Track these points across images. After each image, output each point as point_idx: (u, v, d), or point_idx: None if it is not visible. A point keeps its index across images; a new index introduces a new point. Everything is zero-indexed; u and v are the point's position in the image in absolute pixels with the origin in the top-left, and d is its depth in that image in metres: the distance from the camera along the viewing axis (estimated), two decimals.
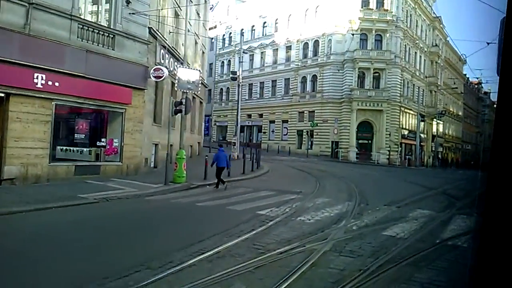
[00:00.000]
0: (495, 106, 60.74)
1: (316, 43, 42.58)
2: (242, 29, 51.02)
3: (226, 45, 53.37)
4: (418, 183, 17.26)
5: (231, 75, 28.17)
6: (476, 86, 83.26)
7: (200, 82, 20.12)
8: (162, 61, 16.41)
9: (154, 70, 14.10)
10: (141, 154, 14.21)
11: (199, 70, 13.74)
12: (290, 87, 44.93)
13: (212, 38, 54.83)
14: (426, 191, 14.74)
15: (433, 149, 49.10)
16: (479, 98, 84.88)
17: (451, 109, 62.00)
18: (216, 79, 54.72)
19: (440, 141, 54.89)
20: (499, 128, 1.99)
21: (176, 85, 12.71)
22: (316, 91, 42.02)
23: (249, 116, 49.93)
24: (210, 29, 56.02)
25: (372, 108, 39.05)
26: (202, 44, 25.69)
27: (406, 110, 43.18)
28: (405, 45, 42.35)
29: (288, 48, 45.43)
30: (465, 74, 70.57)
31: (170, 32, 17.49)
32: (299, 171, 21.01)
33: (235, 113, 52.37)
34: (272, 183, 15.49)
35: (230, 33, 52.70)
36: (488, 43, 22.09)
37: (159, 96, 17.35)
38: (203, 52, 26.48)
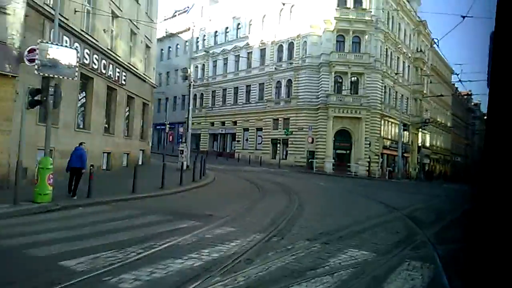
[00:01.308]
0: (485, 118, 58.45)
1: (291, 45, 39.52)
2: (216, 31, 47.95)
3: (200, 48, 50.18)
4: (383, 201, 13.88)
5: (181, 74, 24.48)
6: (465, 97, 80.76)
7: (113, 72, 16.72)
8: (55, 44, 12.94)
9: (28, 51, 10.65)
10: (10, 163, 10.67)
11: (77, 50, 10.26)
12: (265, 92, 41.73)
13: (186, 41, 51.88)
14: (386, 213, 11.36)
15: (418, 160, 45.89)
16: (469, 109, 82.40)
17: (438, 119, 59.16)
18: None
19: (426, 153, 51.90)
20: (489, 140, 2.08)
21: (37, 66, 9.22)
22: (291, 97, 38.82)
23: (223, 123, 46.61)
24: (183, 31, 53.25)
25: (350, 116, 35.85)
26: (145, 35, 22.32)
27: (388, 118, 40.10)
28: (386, 48, 39.42)
29: (263, 50, 42.33)
30: (453, 84, 67.99)
31: (77, 11, 14.07)
32: (250, 184, 17.60)
33: (209, 121, 49.14)
34: (193, 200, 12.11)
35: (204, 35, 49.58)
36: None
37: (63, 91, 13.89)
38: (147, 46, 23.09)
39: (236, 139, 44.63)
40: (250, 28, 43.73)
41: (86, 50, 15.32)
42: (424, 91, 48.49)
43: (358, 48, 36.75)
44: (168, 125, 55.41)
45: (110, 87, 17.87)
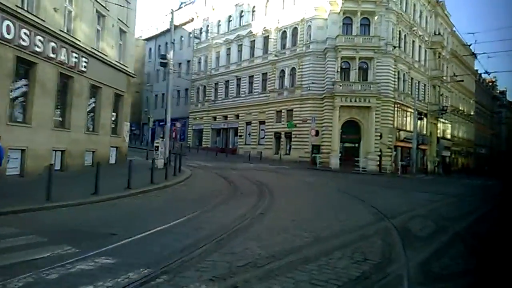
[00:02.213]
0: None
1: (294, 30, 36.60)
2: (219, 21, 45.41)
3: (203, 39, 47.74)
4: (376, 205, 11.12)
5: (160, 60, 22.07)
6: (490, 84, 75.80)
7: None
8: None
9: None
10: None
11: None
12: (268, 83, 39.01)
13: (190, 33, 49.61)
14: (370, 224, 8.63)
15: (437, 153, 42.26)
16: (494, 97, 77.19)
17: (460, 108, 54.99)
18: (193, 77, 49.18)
19: (447, 144, 48.01)
20: None
21: None
22: (295, 86, 35.96)
23: (225, 117, 44.17)
24: (186, 23, 50.92)
25: (359, 105, 32.76)
26: (118, 19, 19.98)
27: (402, 107, 36.73)
28: (400, 31, 35.99)
29: (266, 38, 39.57)
30: (477, 70, 63.40)
31: None
32: (226, 185, 15.10)
33: (211, 115, 46.76)
34: (130, 208, 9.75)
35: (208, 26, 47.07)
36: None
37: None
38: (122, 30, 20.75)
39: (239, 134, 42.13)
40: (254, 15, 41.02)
41: (24, 31, 13.05)
42: (444, 77, 44.57)
43: (367, 30, 33.53)
44: (170, 121, 53.42)
45: (65, 74, 15.61)
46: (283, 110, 37.05)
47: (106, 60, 18.99)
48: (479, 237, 7.96)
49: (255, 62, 40.48)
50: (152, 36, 57.66)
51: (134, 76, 23.18)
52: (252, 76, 40.87)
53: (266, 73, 39.14)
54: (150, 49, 58.72)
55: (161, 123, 56.54)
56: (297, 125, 35.04)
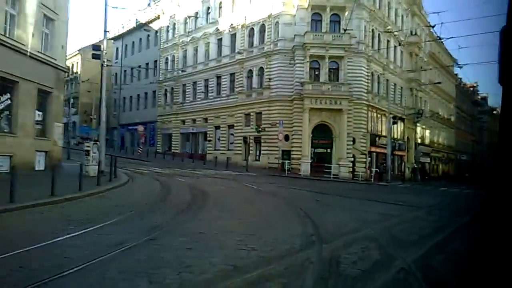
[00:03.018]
0: (494, 112, 52.38)
1: (262, 27, 34.31)
2: (186, 18, 42.87)
3: (170, 37, 45.17)
4: (318, 221, 8.64)
5: (92, 51, 19.29)
6: (471, 89, 74.84)
7: None
8: None
9: None
10: None
11: None
12: (236, 84, 36.56)
13: (156, 31, 47.02)
14: (284, 256, 6.09)
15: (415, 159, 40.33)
16: (475, 102, 76.20)
17: (440, 113, 53.40)
18: (160, 78, 46.45)
19: (426, 150, 46.22)
20: (504, 139, 1.95)
21: None
22: (263, 87, 33.57)
23: (194, 121, 41.49)
24: (153, 20, 48.30)
25: (329, 107, 30.53)
26: (42, 4, 17.24)
27: (377, 111, 34.66)
28: (373, 29, 34.00)
29: (233, 36, 37.19)
30: (457, 74, 62.20)
31: None
32: (157, 194, 12.45)
33: (180, 118, 44.04)
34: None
35: (174, 23, 44.51)
36: None
37: None
38: (48, 17, 18.00)
39: (207, 139, 39.50)
40: (220, 12, 38.63)
41: None
42: (421, 80, 42.77)
43: (337, 27, 31.45)
44: (132, 125, 50.68)
45: None
46: (251, 113, 34.61)
47: (23, 50, 16.21)
48: (435, 276, 5.50)
49: (222, 61, 38.04)
50: (119, 35, 54.81)
51: (65, 70, 20.35)
52: (220, 76, 38.41)
53: (234, 73, 36.72)
54: (117, 49, 55.84)
55: (130, 127, 53.71)
56: (266, 129, 32.58)
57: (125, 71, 53.70)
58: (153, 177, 19.08)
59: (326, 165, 29.16)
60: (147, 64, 48.70)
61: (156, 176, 19.14)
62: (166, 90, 45.82)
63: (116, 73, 56.01)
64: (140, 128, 40.58)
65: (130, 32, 52.91)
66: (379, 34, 35.30)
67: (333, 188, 20.54)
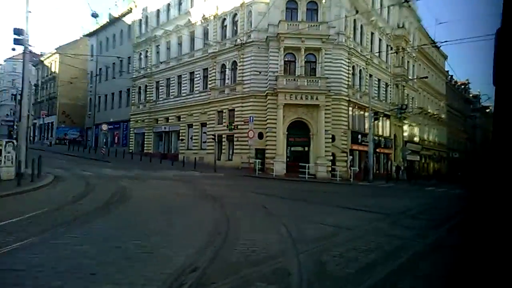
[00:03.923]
0: (487, 111, 50.21)
1: (235, 17, 31.89)
2: (158, 10, 40.38)
3: (143, 32, 42.64)
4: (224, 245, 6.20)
5: (14, 37, 16.59)
6: (462, 86, 72.83)
7: None
8: None
9: None
10: None
11: None
12: (209, 79, 34.08)
13: (130, 26, 44.51)
14: None
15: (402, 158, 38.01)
16: (467, 100, 74.18)
17: (430, 110, 51.15)
18: (133, 75, 43.90)
19: (415, 148, 43.96)
20: (497, 142, 2.00)
21: None
22: (236, 83, 31.12)
23: (167, 119, 38.98)
24: (126, 14, 45.77)
25: (305, 103, 28.13)
26: None
27: (360, 107, 32.32)
28: (355, 20, 31.66)
29: (206, 28, 34.73)
30: (448, 71, 60.03)
31: None
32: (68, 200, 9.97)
33: (153, 117, 41.45)
34: None
35: (147, 16, 41.96)
36: None
37: None
38: None
39: (180, 138, 36.99)
40: (192, 1, 36.11)
41: None
42: (409, 76, 40.45)
43: (314, 16, 29.09)
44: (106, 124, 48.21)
45: None
46: (224, 110, 32.17)
47: None
48: None
49: (195, 56, 35.56)
50: (93, 31, 52.20)
51: None
52: (193, 72, 35.92)
53: (207, 68, 34.25)
54: (92, 45, 53.21)
55: (109, 127, 50.93)
56: (239, 127, 30.16)
57: (100, 69, 51.27)
58: (87, 179, 16.41)
59: (303, 164, 26.69)
60: (121, 61, 46.21)
61: (92, 180, 16.54)
62: (139, 87, 43.28)
63: (91, 71, 53.41)
64: (104, 127, 37.98)
65: (104, 27, 50.33)
66: (362, 26, 32.98)
67: (300, 190, 18.12)
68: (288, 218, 9.47)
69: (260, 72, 29.01)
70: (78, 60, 52.68)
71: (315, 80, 28.10)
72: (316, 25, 28.09)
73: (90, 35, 53.59)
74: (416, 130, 45.17)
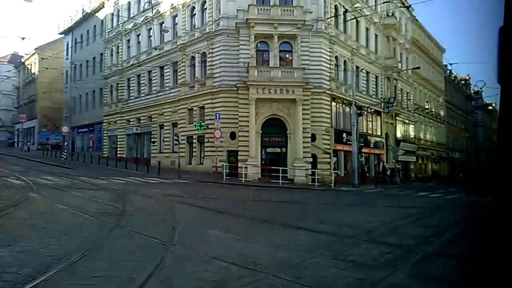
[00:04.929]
0: (489, 108, 46.71)
1: (203, 4, 28.69)
2: (129, 2, 37.26)
3: (114, 26, 39.56)
4: None
5: None
6: (462, 82, 69.35)
7: None
8: None
9: None
10: None
11: None
12: (179, 74, 30.91)
13: (102, 20, 41.43)
14: None
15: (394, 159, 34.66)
16: (468, 96, 70.63)
17: (427, 107, 47.78)
18: (105, 73, 40.78)
19: (411, 148, 40.60)
20: (504, 140, 2.00)
21: None
22: (206, 76, 27.92)
23: (139, 120, 35.79)
24: (99, 9, 42.77)
25: (280, 97, 24.91)
26: None
27: (343, 102, 29.05)
28: (336, 5, 28.44)
29: (175, 18, 31.59)
30: (446, 66, 56.69)
31: None
32: None
33: (125, 118, 38.26)
34: None
35: (118, 10, 38.83)
36: None
37: None
38: None
39: (152, 140, 33.75)
40: None
41: None
42: (400, 68, 37.06)
43: (289, 0, 25.87)
44: (82, 128, 45.31)
45: None
46: (194, 108, 28.97)
47: None
48: None
49: (165, 49, 32.37)
50: (68, 28, 49.17)
51: None
52: (163, 67, 32.75)
53: (177, 62, 31.06)
54: (68, 43, 50.14)
55: (81, 130, 47.83)
56: (209, 126, 26.87)
57: (75, 68, 48.27)
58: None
59: (280, 168, 23.32)
60: (94, 58, 43.17)
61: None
62: (111, 86, 40.15)
63: (67, 71, 50.37)
64: (65, 129, 34.79)
65: (78, 24, 47.30)
66: (344, 12, 29.71)
67: (255, 200, 14.83)
68: (180, 247, 6.24)
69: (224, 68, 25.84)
70: (58, 60, 49.80)
71: (291, 71, 24.91)
72: (290, 10, 24.87)
73: (65, 32, 50.55)
74: (411, 128, 41.79)
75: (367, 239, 7.73)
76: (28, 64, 63.78)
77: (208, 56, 27.67)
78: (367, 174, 30.66)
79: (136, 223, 8.54)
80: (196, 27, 29.29)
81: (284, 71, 24.88)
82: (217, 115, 24.45)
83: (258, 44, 25.81)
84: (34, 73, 59.67)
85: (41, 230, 7.47)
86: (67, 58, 49.96)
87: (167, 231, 7.55)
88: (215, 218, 9.89)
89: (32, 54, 59.98)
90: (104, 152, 40.03)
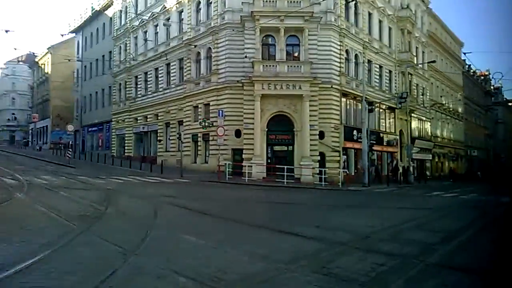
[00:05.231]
0: (510, 104, 44.65)
1: None
2: None
3: (123, 23, 39.21)
4: None
5: None
6: (482, 78, 66.94)
7: None
8: None
9: None
10: None
11: None
12: (185, 71, 30.27)
13: (111, 18, 41.20)
14: None
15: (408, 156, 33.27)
16: (487, 92, 68.15)
17: (444, 103, 46.03)
18: (114, 71, 40.51)
19: (426, 146, 39.11)
20: None
21: None
22: (211, 72, 27.18)
23: (146, 118, 35.34)
24: (107, 6, 42.54)
25: (287, 93, 23.98)
26: None
27: (354, 97, 27.90)
28: None
29: (181, 13, 30.95)
30: (464, 60, 54.57)
31: None
32: None
33: (133, 116, 37.87)
34: None
35: (126, 7, 38.47)
36: None
37: None
38: None
39: (158, 138, 33.23)
40: None
41: None
42: (414, 62, 35.54)
43: None
44: (92, 127, 45.31)
45: None
46: (199, 105, 28.27)
47: None
48: None
49: (171, 45, 31.78)
50: (78, 27, 49.16)
51: None
52: (169, 64, 32.17)
53: (183, 58, 30.43)
54: (78, 42, 50.17)
55: (91, 129, 47.84)
56: (214, 124, 26.10)
57: (85, 66, 48.23)
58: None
59: (285, 166, 22.35)
60: (103, 56, 42.99)
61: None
62: (120, 84, 39.85)
63: (77, 69, 50.42)
64: (70, 127, 34.49)
65: (87, 22, 47.22)
66: (356, 4, 28.53)
67: (255, 201, 14.01)
68: (141, 258, 5.47)
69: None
70: (70, 60, 49.91)
71: (298, 66, 23.93)
72: (297, 1, 23.86)
73: (75, 31, 50.58)
74: (427, 125, 40.23)
75: (361, 247, 6.80)
76: (42, 64, 64.19)
77: (213, 51, 26.93)
78: (381, 173, 29.48)
79: (108, 227, 7.82)
80: (201, 22, 28.55)
81: (291, 66, 23.94)
82: (220, 111, 23.72)
83: (264, 38, 24.96)
84: (47, 72, 59.98)
85: None
86: (77, 57, 49.95)
87: (137, 238, 6.77)
88: (200, 222, 9.08)
89: (46, 54, 60.32)
90: (113, 151, 39.81)
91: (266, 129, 24.35)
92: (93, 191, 13.92)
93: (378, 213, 12.12)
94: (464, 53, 36.31)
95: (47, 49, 58.36)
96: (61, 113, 56.61)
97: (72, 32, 51.05)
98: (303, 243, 7.01)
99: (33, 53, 71.90)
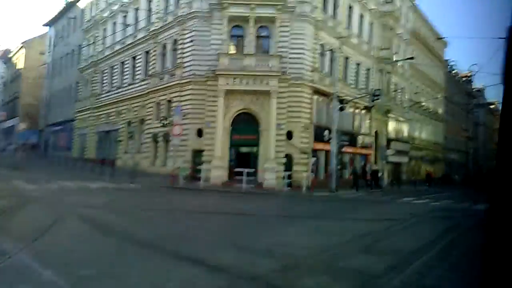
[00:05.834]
0: (492, 107, 43.78)
1: None
2: None
3: (93, 14, 36.96)
4: None
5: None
6: (464, 79, 66.21)
7: None
8: None
9: None
10: None
11: None
12: (150, 64, 28.33)
13: (82, 10, 38.94)
14: None
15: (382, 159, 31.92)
16: (470, 94, 67.49)
17: (423, 103, 44.88)
18: (81, 66, 38.22)
19: (403, 147, 37.82)
20: (504, 140, 1.92)
21: None
22: (176, 65, 25.31)
23: (108, 116, 33.20)
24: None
25: (253, 89, 22.28)
26: None
27: (326, 95, 26.25)
28: None
29: (149, 2, 29.00)
30: (447, 60, 53.67)
31: None
32: None
33: (96, 114, 35.41)
34: None
35: None
36: None
37: None
38: None
39: (118, 139, 31.06)
40: None
41: None
42: (394, 59, 34.09)
43: None
44: (56, 126, 42.88)
45: None
46: (162, 102, 26.41)
47: None
48: None
49: (138, 36, 29.81)
50: (51, 20, 46.66)
51: None
52: (135, 56, 30.22)
53: (149, 51, 28.52)
54: (51, 36, 47.66)
55: (54, 128, 44.96)
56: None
57: (55, 62, 45.80)
58: None
59: (244, 170, 20.57)
60: (73, 51, 40.67)
61: None
62: (86, 80, 37.59)
63: (47, 65, 47.89)
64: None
65: (60, 15, 44.73)
66: None
67: (177, 213, 12.28)
68: None
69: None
70: (44, 55, 47.61)
71: (265, 60, 22.23)
72: None
73: (48, 24, 48.02)
74: (404, 126, 38.97)
75: (276, 285, 5.12)
76: (15, 60, 61.22)
77: (179, 43, 25.07)
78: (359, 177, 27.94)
79: None
80: (170, 11, 26.60)
81: (259, 59, 22.21)
82: (178, 108, 21.88)
83: (233, 29, 23.17)
84: (20, 68, 57.13)
85: None
86: (49, 52, 47.47)
87: None
88: (90, 245, 7.08)
89: (19, 49, 57.64)
90: (75, 153, 37.55)
91: (230, 128, 22.62)
92: (7, 199, 11.96)
93: (330, 226, 10.49)
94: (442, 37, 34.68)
95: (21, 43, 55.72)
96: (31, 111, 53.78)
97: (46, 25, 48.50)
98: (197, 277, 5.28)
99: (10, 50, 68.65)
